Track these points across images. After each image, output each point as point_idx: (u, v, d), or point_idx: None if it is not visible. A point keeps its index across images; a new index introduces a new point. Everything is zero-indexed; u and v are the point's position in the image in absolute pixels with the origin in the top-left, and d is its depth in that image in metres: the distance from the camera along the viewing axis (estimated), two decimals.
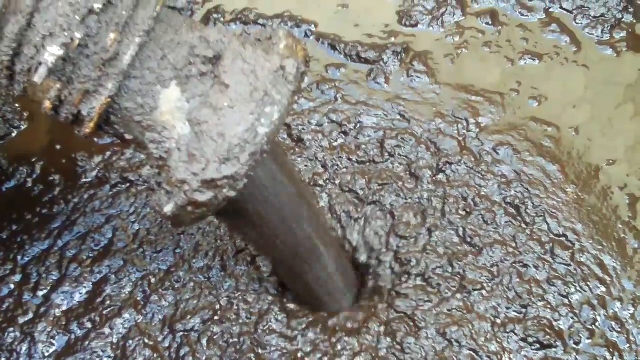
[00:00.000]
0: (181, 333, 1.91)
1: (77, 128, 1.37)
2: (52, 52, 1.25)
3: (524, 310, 1.91)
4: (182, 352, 1.89)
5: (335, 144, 2.19)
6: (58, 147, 2.24)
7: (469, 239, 2.00)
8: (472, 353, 1.84)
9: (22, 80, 1.29)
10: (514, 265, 1.96)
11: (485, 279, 1.94)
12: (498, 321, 1.88)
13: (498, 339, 1.86)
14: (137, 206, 2.14)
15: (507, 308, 1.90)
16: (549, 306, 1.91)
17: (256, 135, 1.31)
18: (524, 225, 2.03)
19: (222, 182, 1.31)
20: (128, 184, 2.18)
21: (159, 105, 1.33)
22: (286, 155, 2.07)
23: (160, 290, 1.98)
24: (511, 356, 1.84)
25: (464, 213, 2.04)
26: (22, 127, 2.30)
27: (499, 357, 1.84)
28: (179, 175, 1.31)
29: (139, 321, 1.94)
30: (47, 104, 1.31)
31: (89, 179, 2.19)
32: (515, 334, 1.87)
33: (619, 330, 1.89)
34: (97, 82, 1.29)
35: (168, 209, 1.36)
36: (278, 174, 1.53)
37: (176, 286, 1.99)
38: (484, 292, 1.92)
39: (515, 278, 1.94)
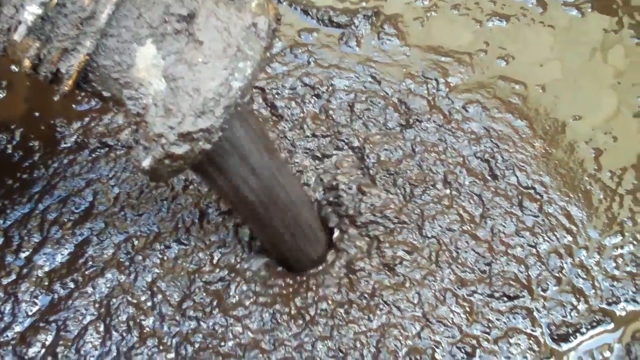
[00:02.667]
0: (162, 293, 1.96)
1: (56, 86, 1.41)
2: (31, 11, 1.28)
3: (487, 268, 1.98)
4: (163, 310, 1.93)
5: (308, 107, 2.25)
6: (37, 114, 2.26)
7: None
8: (440, 322, 1.90)
9: (2, 40, 1.33)
10: (484, 219, 2.04)
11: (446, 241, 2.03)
12: (462, 282, 1.95)
13: (465, 300, 1.93)
14: (116, 170, 2.17)
15: (471, 269, 1.98)
16: (513, 259, 1.99)
17: (230, 89, 1.35)
18: (490, 183, 2.11)
19: (198, 135, 1.35)
20: (107, 149, 2.21)
21: (136, 63, 1.37)
22: (255, 114, 2.10)
23: (144, 252, 2.02)
24: (481, 312, 1.91)
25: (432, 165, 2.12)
26: (0, 96, 2.32)
27: (467, 316, 1.91)
28: (156, 129, 1.35)
29: (122, 281, 1.98)
30: (27, 63, 1.35)
31: (68, 145, 2.21)
32: (480, 293, 1.94)
33: (585, 277, 1.96)
34: (75, 41, 1.33)
35: (146, 163, 1.40)
36: (251, 129, 1.58)
37: (159, 247, 2.03)
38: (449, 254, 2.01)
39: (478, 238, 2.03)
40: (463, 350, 1.85)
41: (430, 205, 2.06)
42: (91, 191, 2.14)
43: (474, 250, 1.99)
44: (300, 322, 1.90)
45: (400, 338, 1.86)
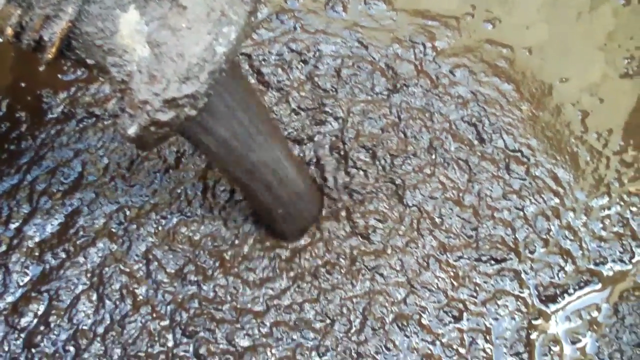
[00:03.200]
0: (158, 261, 1.96)
1: (39, 55, 1.39)
2: None
3: (474, 233, 1.98)
4: (159, 277, 1.93)
5: (295, 74, 2.23)
6: (22, 84, 2.23)
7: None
8: (425, 288, 1.91)
9: None
10: (470, 183, 2.04)
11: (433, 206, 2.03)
12: (446, 248, 1.96)
13: (450, 266, 1.93)
14: (104, 140, 2.15)
15: (456, 234, 1.98)
16: (500, 222, 1.99)
17: (214, 54, 1.33)
18: (477, 147, 2.10)
19: (183, 101, 1.34)
20: (94, 119, 2.19)
21: (119, 29, 1.35)
22: (245, 76, 2.08)
23: (137, 221, 2.01)
24: (467, 276, 1.92)
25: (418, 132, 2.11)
26: None
27: (452, 281, 1.91)
28: (140, 96, 1.34)
29: (114, 250, 1.97)
30: (9, 31, 1.32)
31: (55, 115, 2.19)
32: (467, 258, 1.94)
33: (572, 238, 1.97)
34: (57, 7, 1.31)
35: (132, 130, 1.38)
36: (238, 94, 1.57)
37: (154, 217, 2.01)
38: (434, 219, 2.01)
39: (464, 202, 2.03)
40: (450, 314, 1.85)
41: (412, 175, 2.05)
42: (80, 161, 2.12)
43: (459, 217, 1.98)
44: (290, 283, 1.91)
45: (386, 304, 1.87)
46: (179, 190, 2.05)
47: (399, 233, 1.97)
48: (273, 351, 1.82)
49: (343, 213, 2.01)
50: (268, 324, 1.85)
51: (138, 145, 1.45)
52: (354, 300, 1.87)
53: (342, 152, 2.09)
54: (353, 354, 1.81)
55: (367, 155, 2.07)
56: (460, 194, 2.02)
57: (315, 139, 2.11)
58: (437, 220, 1.99)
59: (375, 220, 1.99)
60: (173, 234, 1.99)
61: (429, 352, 1.81)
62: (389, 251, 1.94)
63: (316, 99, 2.17)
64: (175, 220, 2.01)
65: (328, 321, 1.85)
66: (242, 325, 1.85)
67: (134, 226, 2.01)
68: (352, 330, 1.84)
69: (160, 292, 1.91)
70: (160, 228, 2.00)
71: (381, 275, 1.91)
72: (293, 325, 1.85)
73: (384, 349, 1.81)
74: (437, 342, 1.82)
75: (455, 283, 1.90)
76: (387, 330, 1.83)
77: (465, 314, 1.85)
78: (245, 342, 1.84)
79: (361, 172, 2.05)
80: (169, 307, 1.89)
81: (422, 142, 2.09)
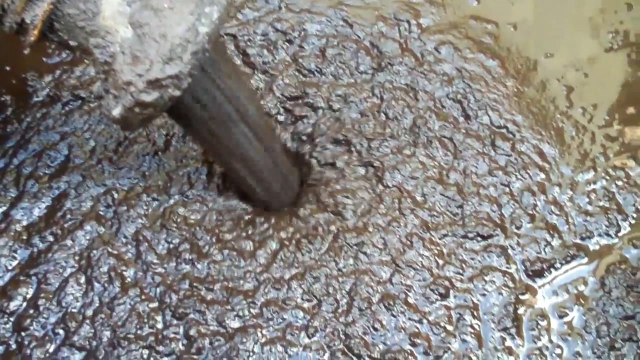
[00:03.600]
0: (146, 244, 1.94)
1: (22, 37, 1.37)
2: None
3: (459, 210, 1.97)
4: (149, 258, 1.91)
5: (280, 55, 2.22)
6: (7, 68, 2.20)
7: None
8: (410, 267, 1.90)
9: None
10: (456, 159, 2.03)
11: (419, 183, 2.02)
12: (429, 226, 1.94)
13: (434, 244, 1.92)
14: (91, 123, 2.13)
15: (440, 212, 1.96)
16: (486, 198, 1.97)
17: (197, 35, 1.32)
18: (461, 125, 2.09)
19: (167, 82, 1.32)
20: (80, 101, 2.16)
21: (101, 10, 1.33)
22: (229, 56, 2.06)
23: (126, 203, 1.99)
24: (453, 253, 1.91)
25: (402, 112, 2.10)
26: None
27: (437, 259, 1.90)
28: (124, 77, 1.32)
29: (101, 232, 1.96)
30: None
31: (41, 98, 2.16)
32: (452, 235, 1.93)
33: (558, 213, 1.96)
34: None
35: (116, 112, 1.37)
36: (222, 74, 1.55)
37: (143, 199, 2.00)
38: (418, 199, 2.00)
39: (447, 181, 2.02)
40: (436, 292, 1.84)
41: (390, 156, 2.03)
42: (66, 144, 2.09)
43: (442, 195, 1.96)
44: (273, 259, 1.91)
45: (372, 284, 1.85)
46: (171, 172, 2.04)
47: (379, 212, 1.95)
48: (263, 332, 1.81)
49: (319, 193, 2.01)
50: (258, 303, 1.84)
51: (123, 126, 1.44)
52: (340, 279, 1.87)
53: (317, 142, 2.08)
54: (341, 335, 1.79)
55: (341, 145, 2.07)
56: (444, 173, 2.00)
57: (293, 129, 2.12)
58: (420, 199, 1.96)
59: (348, 198, 1.97)
60: (169, 213, 1.97)
61: (417, 330, 1.80)
62: (371, 229, 1.92)
63: (299, 87, 2.15)
64: (170, 201, 1.99)
65: (315, 301, 1.84)
66: (232, 307, 1.84)
67: (124, 208, 1.99)
68: (340, 311, 1.82)
69: (150, 273, 1.89)
70: (151, 209, 1.98)
71: (365, 253, 1.90)
72: (282, 305, 1.84)
73: (371, 329, 1.80)
74: (424, 321, 1.80)
75: (440, 261, 1.88)
76: (374, 311, 1.82)
77: (451, 291, 1.84)
78: (235, 324, 1.83)
79: (338, 161, 2.05)
80: (158, 289, 1.87)
81: (404, 123, 2.07)
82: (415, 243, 1.91)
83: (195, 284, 1.87)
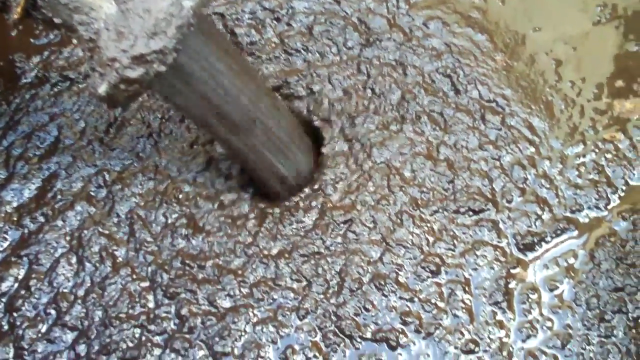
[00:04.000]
0: (141, 222, 1.92)
1: (5, 15, 1.35)
2: None
3: (450, 186, 1.95)
4: (141, 236, 1.90)
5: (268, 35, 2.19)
6: None
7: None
8: (400, 245, 1.87)
9: None
10: (447, 134, 2.02)
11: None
12: (418, 203, 1.91)
13: (424, 221, 1.89)
14: (80, 104, 2.11)
15: (430, 189, 1.94)
16: (477, 173, 1.95)
17: (181, 9, 1.29)
18: (451, 99, 2.06)
19: (152, 57, 1.30)
20: (69, 82, 2.14)
21: None
22: (217, 30, 2.03)
23: (120, 182, 1.98)
24: (444, 229, 1.89)
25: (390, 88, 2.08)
26: None
27: (427, 236, 1.88)
28: (109, 53, 1.30)
29: (92, 213, 1.95)
30: None
31: (29, 80, 2.14)
32: (443, 211, 1.91)
33: (548, 186, 1.94)
34: None
35: (102, 89, 1.35)
36: (209, 47, 1.52)
37: (139, 178, 1.98)
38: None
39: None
40: (427, 270, 1.82)
41: (376, 133, 2.00)
42: (55, 125, 2.07)
43: (432, 171, 1.94)
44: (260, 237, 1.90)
45: (362, 264, 1.82)
46: (167, 153, 2.02)
47: (367, 190, 1.94)
48: (255, 312, 1.80)
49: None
50: (248, 283, 1.83)
51: (109, 103, 1.43)
52: (329, 259, 1.84)
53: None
54: (332, 316, 1.77)
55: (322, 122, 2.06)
56: (433, 148, 1.97)
57: None
58: (409, 175, 1.94)
59: (326, 175, 1.96)
60: (169, 190, 1.96)
61: (408, 309, 1.77)
62: (359, 207, 1.91)
63: (281, 76, 2.11)
64: (167, 180, 1.98)
65: (305, 282, 1.82)
66: (223, 286, 1.83)
67: (118, 187, 1.97)
68: (330, 292, 1.80)
69: (142, 253, 1.87)
70: (146, 188, 1.97)
71: (354, 232, 1.89)
72: (272, 285, 1.83)
73: (362, 310, 1.78)
74: (415, 299, 1.78)
75: (431, 238, 1.86)
76: (364, 291, 1.79)
77: (442, 268, 1.81)
78: (226, 303, 1.81)
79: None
80: (149, 269, 1.86)
81: (391, 98, 2.05)
82: (405, 221, 1.88)
83: (187, 261, 1.86)
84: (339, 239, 1.86)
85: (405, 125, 2.01)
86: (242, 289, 1.81)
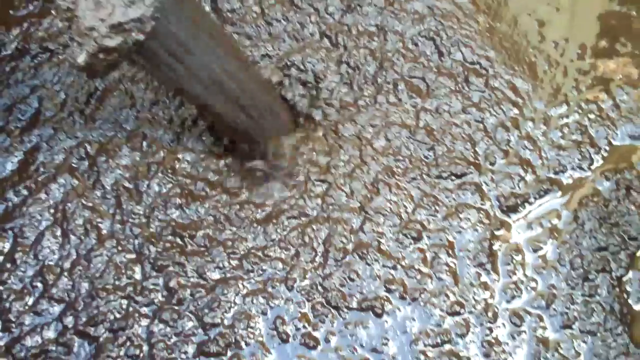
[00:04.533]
0: (127, 194, 1.90)
1: None
2: None
3: (431, 153, 1.92)
4: (128, 208, 1.88)
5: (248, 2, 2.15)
6: None
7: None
8: (379, 213, 1.85)
9: None
10: (429, 98, 1.99)
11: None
12: (397, 171, 1.89)
13: (401, 189, 1.87)
14: (60, 75, 2.07)
15: (407, 157, 1.91)
16: (459, 137, 1.92)
17: None
18: (433, 63, 2.03)
19: (130, 26, 1.28)
20: (49, 54, 2.09)
21: None
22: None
23: (104, 155, 1.94)
24: (424, 195, 1.87)
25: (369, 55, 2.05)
26: None
27: (407, 203, 1.86)
28: (87, 22, 1.28)
29: (75, 185, 1.92)
30: None
31: (9, 52, 2.09)
32: (428, 175, 1.88)
33: (532, 148, 1.91)
34: None
35: (81, 59, 1.34)
36: (187, 14, 1.49)
37: (124, 150, 1.95)
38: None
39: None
40: (409, 236, 1.80)
41: (349, 106, 1.98)
42: (36, 97, 2.04)
43: (411, 138, 1.91)
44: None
45: (345, 233, 1.80)
46: (153, 123, 1.99)
47: (341, 159, 1.91)
48: (244, 284, 1.79)
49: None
50: (238, 254, 1.82)
51: (89, 73, 1.43)
52: (314, 227, 1.83)
53: None
54: (319, 288, 1.75)
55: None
56: (410, 115, 1.95)
57: None
58: (383, 145, 1.92)
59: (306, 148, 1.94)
60: (159, 159, 1.93)
61: (391, 277, 1.75)
62: (333, 171, 1.89)
63: (257, 46, 2.08)
64: (153, 151, 1.95)
65: (292, 251, 1.81)
66: (212, 258, 1.81)
67: (103, 159, 1.94)
68: (317, 263, 1.78)
69: (128, 225, 1.86)
70: (134, 159, 1.94)
71: (332, 197, 1.87)
72: (262, 256, 1.82)
73: (347, 280, 1.76)
74: (398, 266, 1.76)
75: (410, 205, 1.84)
76: (348, 261, 1.77)
77: (424, 234, 1.80)
78: (216, 275, 1.80)
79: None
80: (136, 241, 1.84)
81: (367, 70, 2.02)
82: (382, 189, 1.87)
83: (178, 230, 1.84)
84: (319, 201, 1.85)
85: (379, 96, 1.98)
86: (231, 261, 1.80)
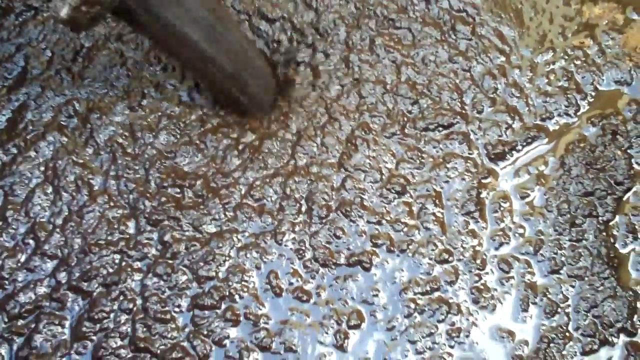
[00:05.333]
0: (121, 150, 1.87)
1: None
2: None
3: (414, 108, 1.88)
4: (123, 163, 1.85)
5: None
6: None
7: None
8: (359, 170, 1.83)
9: None
10: (415, 49, 1.95)
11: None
12: (378, 127, 1.86)
13: (379, 144, 1.83)
14: (45, 32, 2.02)
15: (380, 112, 1.87)
16: (446, 87, 1.88)
17: None
18: (418, 13, 1.98)
19: None
20: (33, 11, 2.04)
21: None
22: None
23: (89, 113, 1.91)
24: (408, 149, 1.83)
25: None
26: None
27: (387, 159, 1.82)
28: None
29: (64, 142, 1.89)
30: None
31: None
32: (415, 128, 1.84)
33: (519, 95, 1.87)
34: None
35: (64, 12, 1.30)
36: None
37: (102, 107, 1.91)
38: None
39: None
40: (393, 190, 1.77)
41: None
42: (22, 56, 1.99)
43: (388, 94, 1.89)
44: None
45: (327, 190, 1.77)
46: (140, 81, 1.95)
47: (304, 119, 1.88)
48: (239, 237, 1.77)
49: None
50: (232, 205, 1.80)
51: (72, 27, 1.39)
52: (296, 179, 1.80)
53: None
54: (307, 246, 1.72)
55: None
56: (390, 71, 1.91)
57: None
58: (352, 103, 1.88)
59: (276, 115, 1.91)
60: (152, 115, 1.90)
61: (377, 232, 1.73)
62: (310, 133, 1.87)
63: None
64: (144, 107, 1.92)
65: (278, 205, 1.79)
66: (208, 211, 1.79)
67: (96, 115, 1.90)
68: (302, 220, 1.75)
69: (123, 180, 1.83)
70: (106, 119, 1.90)
71: (302, 147, 1.85)
72: (257, 208, 1.79)
73: (333, 237, 1.72)
74: (383, 221, 1.73)
75: (390, 160, 1.81)
76: (332, 219, 1.74)
77: (408, 187, 1.76)
78: (211, 228, 1.78)
79: None
80: (131, 196, 1.81)
81: (339, 34, 1.97)
82: (359, 146, 1.83)
83: (178, 181, 1.82)
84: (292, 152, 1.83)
85: (353, 53, 1.94)
86: (227, 212, 1.77)
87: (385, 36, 1.94)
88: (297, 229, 1.74)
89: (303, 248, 1.72)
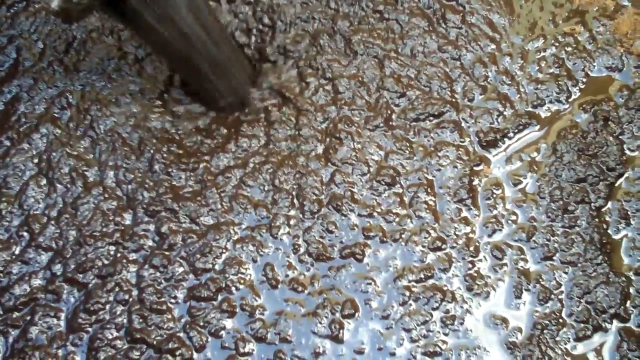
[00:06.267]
0: (121, 140, 1.82)
1: None
2: None
3: (402, 100, 1.83)
4: (123, 153, 1.81)
5: None
6: None
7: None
8: (347, 163, 1.79)
9: None
10: (402, 39, 1.91)
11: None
12: (361, 121, 1.82)
13: (364, 137, 1.79)
14: (37, 24, 1.96)
15: (359, 106, 1.83)
16: (436, 76, 1.84)
17: None
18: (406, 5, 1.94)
19: None
20: (25, 3, 1.98)
21: None
22: None
23: (80, 104, 1.85)
24: (406, 138, 1.79)
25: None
26: None
27: (373, 151, 1.78)
28: None
29: (58, 134, 1.84)
30: None
31: None
32: (405, 119, 1.80)
33: (510, 82, 1.83)
34: None
35: (55, 3, 1.28)
36: None
37: (97, 98, 1.86)
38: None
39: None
40: (383, 182, 1.73)
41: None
42: (14, 48, 1.93)
43: (362, 88, 1.85)
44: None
45: (317, 185, 1.73)
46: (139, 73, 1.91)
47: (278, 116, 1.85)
48: (235, 229, 1.72)
49: None
50: (229, 195, 1.75)
51: (64, 18, 1.35)
52: (286, 171, 1.76)
53: None
54: (302, 241, 1.67)
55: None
56: (372, 64, 1.87)
57: None
58: (340, 96, 1.85)
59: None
60: (146, 109, 1.86)
61: (369, 224, 1.69)
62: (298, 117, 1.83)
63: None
64: (140, 99, 1.88)
65: (270, 198, 1.75)
66: (206, 202, 1.74)
67: (97, 107, 1.86)
68: (294, 213, 1.71)
69: (122, 171, 1.77)
70: (100, 110, 1.85)
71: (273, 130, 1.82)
72: (253, 200, 1.75)
73: (326, 232, 1.67)
74: (375, 213, 1.69)
75: (379, 152, 1.76)
76: (324, 214, 1.70)
77: (399, 178, 1.72)
78: (209, 220, 1.74)
79: None
80: (129, 187, 1.77)
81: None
82: (344, 139, 1.78)
83: (182, 165, 1.79)
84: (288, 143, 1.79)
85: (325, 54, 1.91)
86: (223, 203, 1.73)
87: (365, 32, 1.89)
88: (291, 219, 1.70)
89: (298, 243, 1.67)
